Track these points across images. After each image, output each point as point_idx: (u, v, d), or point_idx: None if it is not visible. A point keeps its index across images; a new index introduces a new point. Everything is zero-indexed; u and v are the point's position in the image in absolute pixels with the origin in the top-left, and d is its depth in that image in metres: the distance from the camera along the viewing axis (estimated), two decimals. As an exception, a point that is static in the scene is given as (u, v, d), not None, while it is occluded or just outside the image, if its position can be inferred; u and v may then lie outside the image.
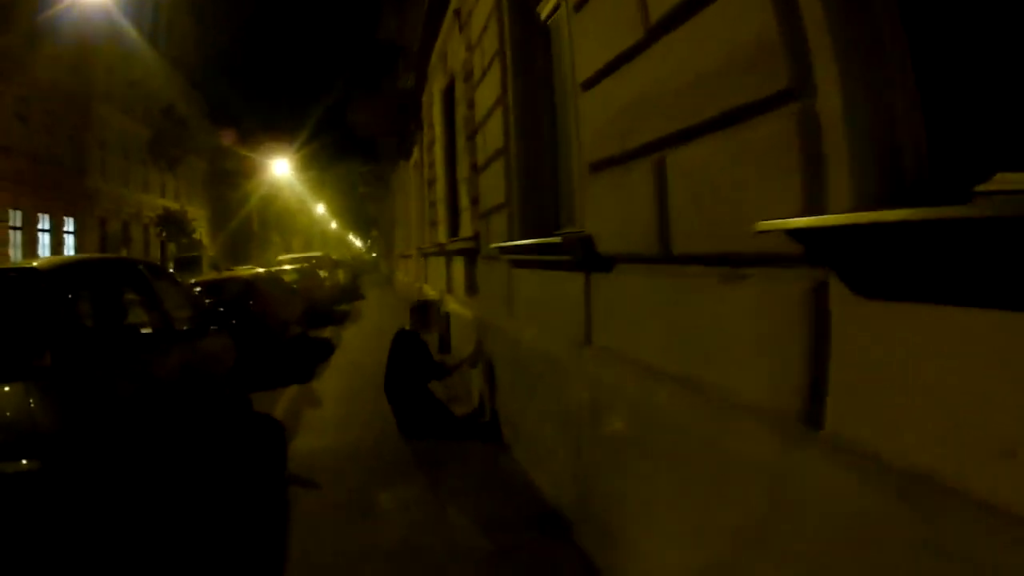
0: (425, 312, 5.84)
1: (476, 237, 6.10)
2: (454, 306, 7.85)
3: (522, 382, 4.14)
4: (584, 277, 3.01)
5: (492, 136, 4.93)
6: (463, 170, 7.10)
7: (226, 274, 10.18)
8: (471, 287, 6.93)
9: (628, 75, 2.51)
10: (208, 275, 10.04)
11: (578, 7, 2.99)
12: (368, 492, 4.05)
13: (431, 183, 11.12)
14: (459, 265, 7.78)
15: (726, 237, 1.96)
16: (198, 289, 8.81)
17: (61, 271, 3.64)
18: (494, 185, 4.90)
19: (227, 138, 41.95)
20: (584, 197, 3.11)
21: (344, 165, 38.39)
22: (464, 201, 7.19)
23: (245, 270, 11.70)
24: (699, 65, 2.03)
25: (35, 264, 3.65)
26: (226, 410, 5.54)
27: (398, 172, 20.70)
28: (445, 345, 8.33)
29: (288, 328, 10.08)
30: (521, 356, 4.11)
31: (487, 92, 5.09)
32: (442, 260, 9.40)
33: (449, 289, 8.90)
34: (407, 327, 5.62)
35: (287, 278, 13.77)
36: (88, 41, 25.85)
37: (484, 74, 5.22)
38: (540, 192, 4.32)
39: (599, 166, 2.83)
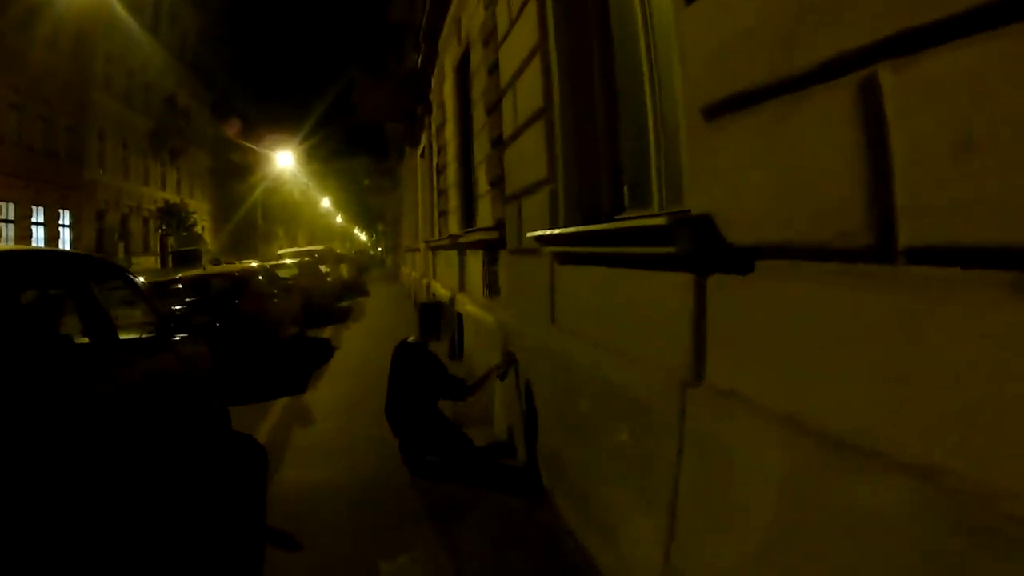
0: (436, 315, 4.66)
1: (500, 226, 5.03)
2: (469, 307, 6.81)
3: (576, 419, 3.07)
4: (693, 280, 1.96)
5: (527, 96, 3.87)
6: (482, 149, 6.07)
7: (212, 269, 9.17)
8: (492, 286, 5.90)
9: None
10: (196, 270, 9.03)
11: None
12: (365, 558, 3.08)
13: (441, 169, 10.08)
14: (475, 260, 6.74)
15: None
16: (179, 286, 7.83)
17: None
18: (530, 158, 3.81)
19: (231, 129, 41.03)
20: (690, 159, 2.07)
21: (350, 156, 37.53)
22: (482, 186, 6.16)
23: (239, 264, 10.71)
24: None
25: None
26: (192, 436, 4.52)
27: (405, 162, 19.66)
28: (456, 350, 7.32)
29: (282, 328, 9.09)
30: (575, 386, 3.04)
31: (518, 43, 4.04)
32: (454, 254, 8.36)
33: (462, 287, 7.87)
34: (411, 337, 4.53)
35: (285, 273, 12.84)
36: (86, 28, 25.18)
37: (513, 23, 4.17)
38: (595, 162, 3.24)
39: (723, 108, 1.79)
